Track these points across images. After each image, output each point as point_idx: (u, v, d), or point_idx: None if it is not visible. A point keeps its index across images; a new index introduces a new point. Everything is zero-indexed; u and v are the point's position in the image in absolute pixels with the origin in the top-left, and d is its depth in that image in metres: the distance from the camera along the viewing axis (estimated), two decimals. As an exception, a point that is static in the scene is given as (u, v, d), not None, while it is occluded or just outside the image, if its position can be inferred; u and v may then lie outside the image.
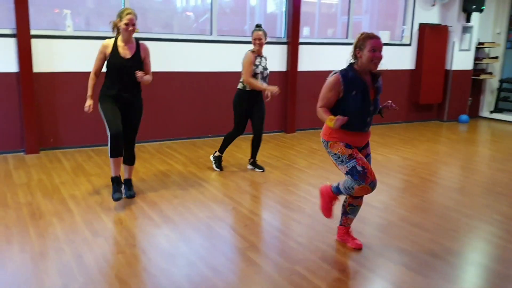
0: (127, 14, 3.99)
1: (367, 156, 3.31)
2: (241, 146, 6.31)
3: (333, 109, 3.14)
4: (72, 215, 3.85)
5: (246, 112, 5.08)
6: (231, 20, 7.26)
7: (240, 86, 5.05)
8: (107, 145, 4.08)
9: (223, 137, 5.31)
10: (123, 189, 4.32)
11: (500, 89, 9.50)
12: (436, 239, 3.61)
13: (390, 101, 3.33)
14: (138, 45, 4.15)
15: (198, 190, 4.60)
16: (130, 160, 4.37)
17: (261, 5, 8.01)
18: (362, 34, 3.13)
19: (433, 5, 8.56)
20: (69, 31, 5.79)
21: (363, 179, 3.09)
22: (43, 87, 5.76)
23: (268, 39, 5.17)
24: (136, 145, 4.74)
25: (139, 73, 4.03)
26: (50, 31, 5.77)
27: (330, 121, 3.05)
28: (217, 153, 5.31)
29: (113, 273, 2.97)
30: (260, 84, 4.97)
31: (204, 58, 6.72)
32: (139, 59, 4.14)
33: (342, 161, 3.15)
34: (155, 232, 3.64)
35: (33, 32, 5.54)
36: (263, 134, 5.24)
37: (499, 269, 3.19)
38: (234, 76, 5.42)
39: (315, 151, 6.31)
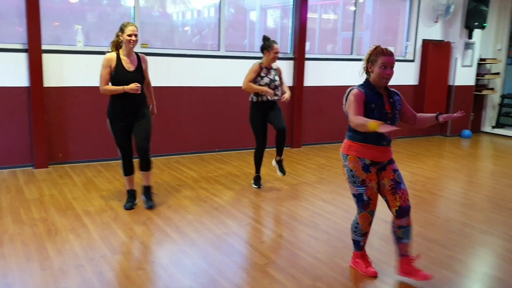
0: (130, 25, 4.12)
1: (395, 171, 3.25)
2: (250, 161, 6.29)
3: None
4: (88, 231, 3.83)
5: (262, 122, 5.03)
6: (231, 34, 7.30)
7: (249, 98, 5.07)
8: (115, 159, 4.12)
9: (231, 152, 5.30)
10: (143, 198, 4.50)
11: (501, 105, 9.59)
12: (455, 255, 3.61)
13: (444, 115, 3.12)
14: (138, 57, 4.27)
15: (211, 205, 4.58)
16: (146, 167, 4.41)
17: (261, 20, 8.08)
18: (375, 48, 3.07)
19: (436, 21, 8.68)
20: (79, 46, 5.81)
21: (365, 208, 3.14)
22: (52, 101, 5.75)
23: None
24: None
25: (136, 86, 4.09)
26: (61, 46, 5.79)
27: (375, 124, 2.81)
28: (255, 175, 5.29)
29: (135, 290, 2.95)
30: (257, 86, 4.88)
31: (212, 73, 6.75)
32: (141, 71, 4.25)
33: (354, 182, 3.14)
34: (173, 249, 3.62)
35: (44, 47, 5.56)
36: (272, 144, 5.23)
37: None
38: (242, 91, 5.42)
39: (323, 166, 6.32)
